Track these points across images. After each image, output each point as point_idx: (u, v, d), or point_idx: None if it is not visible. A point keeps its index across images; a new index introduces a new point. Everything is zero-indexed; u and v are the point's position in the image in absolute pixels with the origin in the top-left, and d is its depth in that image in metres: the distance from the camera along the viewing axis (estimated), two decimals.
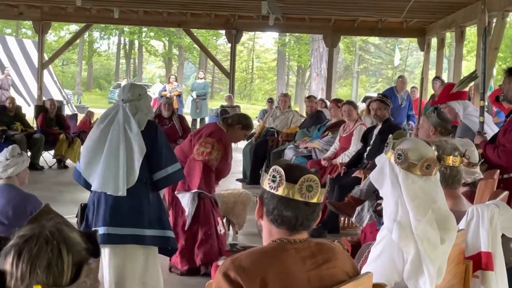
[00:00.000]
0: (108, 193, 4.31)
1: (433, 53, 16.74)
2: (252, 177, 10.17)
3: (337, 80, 45.80)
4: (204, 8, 15.05)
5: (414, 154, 2.64)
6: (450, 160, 3.26)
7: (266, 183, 2.19)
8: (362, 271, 2.65)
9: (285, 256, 2.12)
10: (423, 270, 2.52)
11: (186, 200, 5.65)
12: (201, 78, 20.94)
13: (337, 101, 9.23)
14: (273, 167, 2.17)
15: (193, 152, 5.65)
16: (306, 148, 9.12)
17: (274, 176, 2.16)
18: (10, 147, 4.81)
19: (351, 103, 8.45)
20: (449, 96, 5.93)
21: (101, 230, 4.30)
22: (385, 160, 2.71)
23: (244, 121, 5.96)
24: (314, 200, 2.16)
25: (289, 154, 9.23)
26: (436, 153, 2.72)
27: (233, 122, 5.92)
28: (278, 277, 2.05)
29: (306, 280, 2.10)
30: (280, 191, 2.15)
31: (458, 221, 3.13)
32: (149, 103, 4.65)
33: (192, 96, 20.54)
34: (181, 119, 10.94)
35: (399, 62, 35.05)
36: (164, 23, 18.16)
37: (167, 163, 4.46)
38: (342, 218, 7.71)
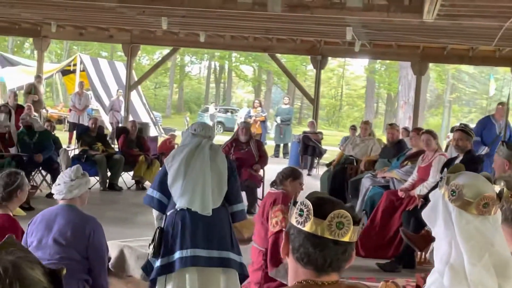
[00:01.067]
0: (192, 215, 4.53)
1: None
2: None
3: (427, 109, 44.85)
4: (289, 33, 15.01)
5: (470, 191, 2.36)
6: None
7: (293, 217, 1.99)
8: None
9: None
10: None
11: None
12: (286, 104, 20.87)
13: (418, 130, 8.89)
14: (302, 200, 1.97)
15: (269, 228, 5.62)
16: (384, 177, 8.81)
17: (301, 210, 1.95)
18: (74, 167, 4.77)
19: (430, 133, 8.10)
20: None
21: (187, 252, 4.50)
22: (439, 196, 2.45)
23: (289, 173, 5.92)
24: (346, 239, 1.93)
25: (366, 183, 8.93)
26: (498, 190, 2.43)
27: (282, 180, 5.91)
28: None
29: None
30: (307, 227, 1.93)
31: None
32: None
33: (276, 122, 20.50)
34: (258, 144, 10.84)
35: (494, 92, 33.95)
36: (250, 48, 18.28)
37: (239, 200, 4.87)
38: (419, 254, 7.36)
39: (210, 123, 30.95)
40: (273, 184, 6.03)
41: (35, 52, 18.66)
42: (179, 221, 4.57)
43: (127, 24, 15.18)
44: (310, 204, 1.94)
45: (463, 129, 7.19)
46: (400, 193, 7.81)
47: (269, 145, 21.75)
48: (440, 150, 8.00)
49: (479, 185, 2.39)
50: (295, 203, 2.00)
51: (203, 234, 4.53)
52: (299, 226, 1.95)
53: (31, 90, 16.57)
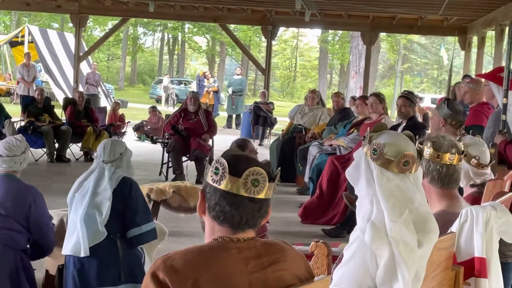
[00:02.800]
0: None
1: (475, 52, 16.30)
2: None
3: (380, 80, 45.28)
4: (240, 3, 14.94)
5: (391, 150, 2.40)
6: (447, 157, 3.01)
7: (209, 176, 1.98)
8: (334, 276, 2.45)
9: (225, 256, 1.91)
10: (398, 275, 2.30)
11: None
12: (238, 74, 20.83)
13: (364, 98, 8.96)
14: (216, 158, 1.97)
15: None
16: (330, 145, 8.89)
17: (217, 168, 1.95)
18: (18, 139, 4.67)
19: (377, 96, 8.15)
20: (495, 78, 5.60)
21: None
22: (362, 154, 2.48)
23: (235, 144, 5.77)
24: (261, 196, 1.94)
25: (313, 151, 9.00)
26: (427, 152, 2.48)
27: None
28: (214, 279, 1.85)
29: (247, 283, 1.89)
30: (222, 185, 1.93)
31: (452, 223, 2.90)
32: (129, 158, 4.61)
33: (228, 92, 20.47)
34: (207, 113, 10.81)
35: (447, 62, 34.41)
36: (200, 18, 18.13)
37: (142, 221, 4.41)
38: None
39: (164, 95, 30.78)
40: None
41: None
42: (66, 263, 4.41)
43: None
44: (225, 162, 1.94)
45: (406, 96, 7.29)
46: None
47: (222, 116, 21.73)
48: (385, 115, 8.06)
49: (399, 143, 2.43)
50: (210, 161, 2.00)
51: (85, 273, 4.29)
52: (214, 184, 1.95)
53: None
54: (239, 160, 1.98)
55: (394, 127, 7.40)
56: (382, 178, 2.38)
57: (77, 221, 4.29)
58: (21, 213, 4.43)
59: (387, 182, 2.37)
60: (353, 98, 12.01)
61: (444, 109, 5.12)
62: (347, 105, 11.81)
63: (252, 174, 1.93)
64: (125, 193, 4.39)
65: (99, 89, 21.77)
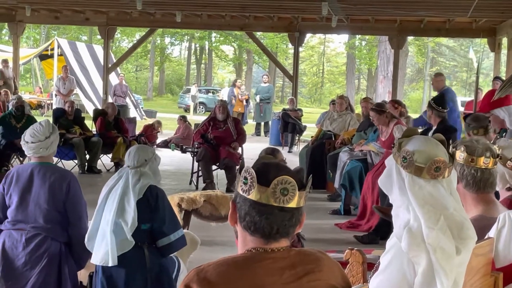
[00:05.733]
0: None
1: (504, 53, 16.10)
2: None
3: (408, 83, 44.95)
4: (266, 10, 14.94)
5: (420, 156, 2.34)
6: (482, 161, 2.95)
7: (239, 186, 1.96)
8: (370, 284, 2.41)
9: (259, 267, 1.88)
10: (436, 282, 2.25)
11: None
12: (265, 82, 20.84)
13: (394, 103, 8.90)
14: (245, 167, 1.95)
15: None
16: (361, 151, 8.82)
17: (245, 178, 1.92)
18: (43, 122, 4.70)
19: (393, 102, 8.14)
20: (491, 104, 5.60)
21: None
22: (392, 162, 2.43)
23: (264, 154, 5.74)
24: (292, 205, 1.91)
25: (343, 157, 8.94)
26: (450, 152, 2.42)
27: None
28: None
29: None
30: (252, 195, 1.91)
31: (489, 229, 2.84)
32: (157, 166, 4.59)
33: (255, 100, 20.47)
34: (236, 121, 10.82)
35: (476, 65, 34.07)
36: (227, 27, 18.17)
37: (170, 230, 4.41)
38: None
39: (192, 104, 30.92)
40: None
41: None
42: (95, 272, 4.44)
43: (102, 6, 15.05)
44: (254, 171, 1.91)
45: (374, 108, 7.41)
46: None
47: (250, 124, 21.75)
48: (394, 120, 8.03)
49: (429, 149, 2.37)
50: (240, 170, 1.98)
51: (113, 283, 4.32)
52: (244, 194, 1.93)
53: None
54: (268, 168, 1.95)
55: (425, 131, 7.35)
56: (414, 186, 2.33)
57: (106, 230, 4.32)
58: (58, 200, 4.48)
59: (420, 189, 2.32)
60: (384, 102, 11.91)
61: (466, 126, 5.13)
62: None
63: (281, 183, 1.89)
64: (151, 203, 4.39)
65: (128, 99, 21.97)
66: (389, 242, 2.41)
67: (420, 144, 2.39)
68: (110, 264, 4.25)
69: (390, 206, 6.51)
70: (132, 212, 4.29)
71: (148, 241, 4.40)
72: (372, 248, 6.87)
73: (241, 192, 1.94)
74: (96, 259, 4.34)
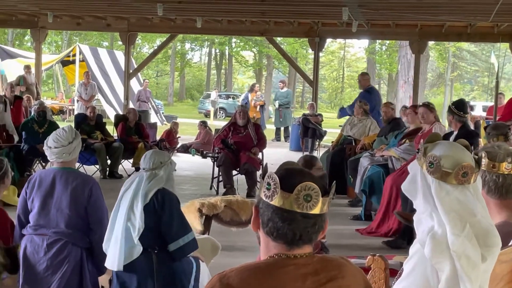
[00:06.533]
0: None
1: None
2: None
3: (429, 88, 44.68)
4: (286, 15, 14.94)
5: (447, 161, 2.32)
6: (503, 167, 2.91)
7: (262, 191, 1.95)
8: None
9: (282, 274, 1.87)
10: None
11: None
12: (282, 88, 20.87)
13: (415, 107, 8.85)
14: (268, 173, 1.94)
15: None
16: (382, 156, 8.78)
17: (268, 184, 1.91)
18: (66, 128, 4.74)
19: (427, 105, 8.04)
20: None
21: None
22: (417, 168, 2.41)
23: (304, 165, 5.70)
24: (315, 211, 1.90)
25: (364, 162, 8.90)
26: (476, 157, 2.40)
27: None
28: None
29: None
30: (275, 201, 1.90)
31: None
32: (171, 171, 4.61)
33: (275, 106, 20.49)
34: (256, 127, 10.82)
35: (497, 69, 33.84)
36: (247, 32, 18.22)
37: (179, 235, 4.43)
38: None
39: (212, 109, 30.99)
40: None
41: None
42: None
43: (123, 12, 15.12)
44: (277, 177, 1.90)
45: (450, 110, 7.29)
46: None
47: (269, 129, 21.76)
48: (437, 122, 7.93)
49: (456, 154, 2.35)
50: (263, 176, 1.97)
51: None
52: (267, 200, 1.92)
53: (19, 81, 16.56)
54: (291, 174, 1.94)
55: (446, 136, 7.29)
56: (441, 191, 2.31)
57: (118, 234, 4.35)
58: (80, 205, 4.51)
59: (447, 195, 2.30)
60: (405, 107, 11.88)
61: (486, 135, 5.10)
62: (398, 115, 11.66)
63: (304, 189, 1.88)
64: (157, 208, 4.40)
65: (149, 105, 22.09)
66: (412, 249, 2.39)
67: (447, 149, 2.37)
68: (116, 269, 4.31)
69: (412, 211, 6.47)
70: (138, 216, 4.31)
71: (158, 246, 4.42)
72: (395, 253, 6.86)
73: (264, 198, 1.94)
74: (108, 262, 4.40)
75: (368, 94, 11.75)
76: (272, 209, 1.91)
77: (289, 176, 1.92)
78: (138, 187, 4.40)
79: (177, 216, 4.49)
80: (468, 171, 2.31)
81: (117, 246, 4.30)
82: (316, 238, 1.96)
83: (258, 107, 20.87)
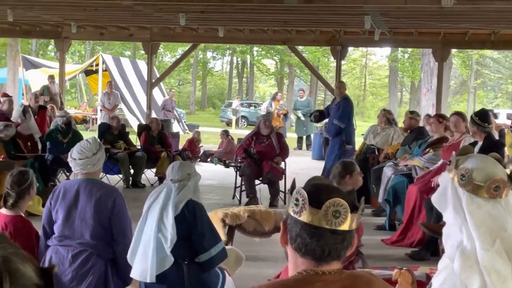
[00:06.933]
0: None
1: None
2: None
3: (452, 96, 44.38)
4: (308, 24, 14.92)
5: (480, 175, 2.29)
6: None
7: (290, 207, 1.94)
8: None
9: None
10: None
11: None
12: (301, 97, 20.85)
13: (439, 117, 8.78)
14: (297, 189, 1.93)
15: None
16: (406, 165, 8.72)
17: (297, 200, 1.90)
18: (90, 139, 4.76)
19: (460, 114, 7.93)
20: None
21: None
22: (448, 180, 2.39)
23: (343, 171, 5.64)
24: (344, 228, 1.88)
25: (388, 172, 8.85)
26: (508, 172, 2.36)
27: (340, 180, 5.60)
28: None
29: None
30: (303, 217, 1.88)
31: None
32: (197, 182, 4.65)
33: (296, 115, 20.46)
34: (279, 136, 10.81)
35: None
36: (269, 41, 18.19)
37: (210, 245, 4.44)
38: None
39: (234, 118, 31.03)
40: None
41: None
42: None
43: (146, 22, 15.20)
44: (305, 193, 1.89)
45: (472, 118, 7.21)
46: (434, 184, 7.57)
47: (290, 138, 21.73)
48: (467, 134, 7.82)
49: (488, 168, 2.33)
50: (291, 191, 1.96)
51: None
52: (295, 216, 1.91)
53: (44, 91, 16.71)
54: (319, 190, 1.93)
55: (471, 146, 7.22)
56: (472, 204, 2.29)
57: (147, 246, 4.34)
58: (104, 216, 4.52)
59: (478, 208, 2.27)
60: (428, 116, 11.79)
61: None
62: (421, 123, 11.58)
63: (333, 206, 1.87)
64: (188, 219, 4.42)
65: (173, 114, 22.19)
66: (441, 263, 2.36)
67: (479, 162, 2.35)
68: (148, 280, 4.30)
69: (437, 222, 6.42)
70: (170, 227, 4.31)
71: (188, 257, 4.41)
72: (419, 264, 6.80)
73: (292, 214, 1.92)
74: (135, 274, 4.38)
75: (347, 102, 11.84)
76: (300, 225, 1.90)
77: (317, 192, 1.91)
78: (167, 198, 4.40)
79: (207, 226, 4.51)
80: (500, 185, 2.28)
81: (147, 257, 4.30)
82: (344, 254, 1.94)
83: (282, 116, 20.86)
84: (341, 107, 11.49)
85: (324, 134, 15.91)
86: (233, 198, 10.76)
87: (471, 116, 7.57)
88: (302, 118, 19.97)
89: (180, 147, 15.27)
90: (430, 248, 7.21)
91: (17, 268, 1.30)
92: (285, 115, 21.34)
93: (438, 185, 7.13)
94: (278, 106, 20.99)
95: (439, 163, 7.86)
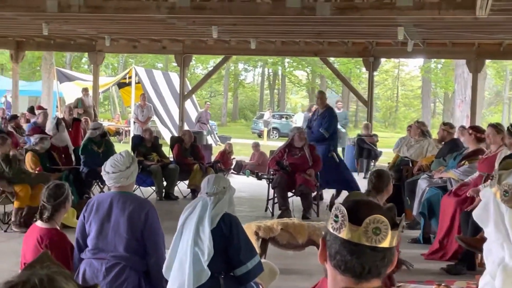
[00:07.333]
0: None
1: None
2: None
3: (486, 107, 43.85)
4: (340, 36, 14.89)
5: None
6: None
7: (329, 223, 1.91)
8: None
9: None
10: None
11: None
12: (339, 108, 20.73)
13: (473, 129, 8.66)
14: (336, 205, 1.90)
15: None
16: (440, 178, 8.61)
17: (336, 216, 1.87)
18: (123, 152, 4.78)
19: (494, 127, 7.81)
20: None
21: None
22: (490, 195, 2.33)
23: (382, 182, 5.63)
24: (384, 245, 1.85)
25: (422, 184, 8.75)
26: None
27: (380, 189, 5.60)
28: None
29: None
30: (343, 234, 1.85)
31: None
32: (232, 195, 4.65)
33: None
34: (311, 148, 10.76)
35: None
36: (301, 53, 18.22)
37: (247, 258, 4.42)
38: (479, 255, 7.16)
39: (265, 130, 31.01)
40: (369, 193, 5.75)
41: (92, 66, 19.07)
42: None
43: (178, 34, 15.31)
44: (345, 209, 1.86)
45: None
46: (468, 193, 7.47)
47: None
48: (505, 146, 7.68)
49: None
50: (330, 207, 1.93)
51: None
52: (334, 232, 1.88)
53: (78, 103, 16.90)
54: (359, 207, 1.90)
55: (506, 158, 7.10)
56: None
57: (183, 260, 4.33)
58: (137, 229, 4.53)
59: None
60: (462, 127, 11.66)
61: None
62: (456, 135, 11.45)
63: (373, 222, 1.83)
64: (225, 232, 4.41)
65: (207, 126, 22.28)
66: (482, 280, 2.32)
67: None
68: None
69: (473, 236, 6.31)
70: (207, 241, 4.30)
71: (224, 271, 4.40)
72: (455, 279, 6.70)
73: (331, 230, 1.89)
74: (172, 287, 4.36)
75: (332, 112, 11.88)
76: (340, 242, 1.87)
77: (357, 208, 1.88)
78: (203, 212, 4.40)
79: (243, 239, 4.50)
80: None
81: (184, 271, 4.29)
82: (385, 272, 1.90)
83: None
84: (327, 117, 11.60)
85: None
86: (266, 210, 10.74)
87: (508, 128, 7.46)
88: (343, 130, 19.86)
89: (212, 159, 15.31)
90: (466, 262, 7.11)
91: (60, 287, 1.31)
92: None
93: (472, 196, 7.01)
94: None
95: (475, 175, 7.75)
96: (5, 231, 8.86)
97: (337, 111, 20.84)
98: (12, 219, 8.90)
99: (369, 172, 15.73)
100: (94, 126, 11.61)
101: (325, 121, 11.59)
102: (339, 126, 19.89)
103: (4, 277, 1.40)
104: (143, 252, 4.57)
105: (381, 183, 5.60)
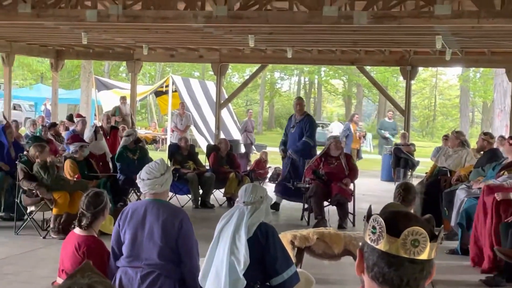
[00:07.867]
0: None
1: None
2: None
3: None
4: (377, 45, 14.83)
5: None
6: None
7: (366, 235, 1.90)
8: None
9: None
10: None
11: None
12: (390, 118, 20.72)
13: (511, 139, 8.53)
14: (373, 216, 1.88)
15: None
16: (479, 188, 8.49)
17: (374, 227, 1.84)
18: (159, 160, 4.82)
19: None
20: None
21: None
22: None
23: (408, 194, 5.68)
24: (423, 257, 1.82)
25: (461, 195, 8.64)
26: None
27: (410, 199, 5.64)
28: None
29: None
30: (380, 246, 1.82)
31: None
32: (269, 205, 4.66)
33: (382, 136, 20.20)
34: (348, 157, 10.72)
35: None
36: (338, 61, 18.18)
37: (283, 268, 4.42)
38: None
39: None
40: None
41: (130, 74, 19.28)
42: None
43: (215, 43, 15.41)
44: (383, 221, 1.84)
45: None
46: (497, 197, 7.39)
47: (366, 159, 21.53)
48: None
49: None
50: (368, 218, 1.91)
51: None
52: (372, 244, 1.86)
53: (115, 112, 17.09)
54: (397, 218, 1.87)
55: None
56: None
57: (219, 269, 4.34)
58: (171, 237, 4.54)
59: None
60: (502, 137, 11.49)
61: None
62: (495, 145, 11.29)
63: (412, 234, 1.81)
64: (261, 242, 4.41)
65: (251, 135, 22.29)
66: None
67: None
68: None
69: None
70: (243, 250, 4.31)
71: (260, 280, 4.39)
72: None
73: (369, 242, 1.87)
74: None
75: (311, 119, 11.90)
76: (377, 254, 1.84)
77: (395, 220, 1.85)
78: (240, 221, 4.41)
79: (280, 249, 4.49)
80: None
81: (220, 280, 4.30)
82: (423, 284, 1.87)
83: (362, 138, 20.69)
84: (308, 124, 11.48)
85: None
86: (301, 219, 10.71)
87: None
88: (392, 139, 19.78)
89: (248, 167, 15.33)
90: (506, 274, 7.00)
91: None
92: (364, 137, 21.25)
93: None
94: (357, 128, 20.67)
95: None
96: (44, 237, 8.99)
97: (387, 120, 20.84)
98: (51, 225, 9.03)
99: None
100: (127, 133, 11.73)
101: (306, 129, 11.46)
102: (387, 135, 19.83)
103: (42, 283, 1.42)
104: (178, 260, 4.59)
105: (409, 195, 5.65)
